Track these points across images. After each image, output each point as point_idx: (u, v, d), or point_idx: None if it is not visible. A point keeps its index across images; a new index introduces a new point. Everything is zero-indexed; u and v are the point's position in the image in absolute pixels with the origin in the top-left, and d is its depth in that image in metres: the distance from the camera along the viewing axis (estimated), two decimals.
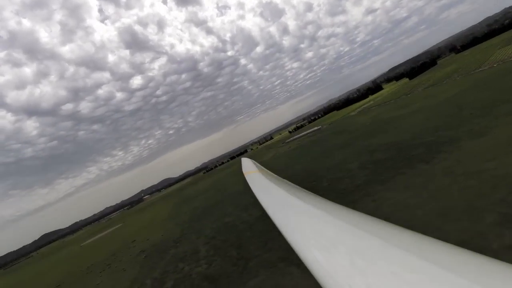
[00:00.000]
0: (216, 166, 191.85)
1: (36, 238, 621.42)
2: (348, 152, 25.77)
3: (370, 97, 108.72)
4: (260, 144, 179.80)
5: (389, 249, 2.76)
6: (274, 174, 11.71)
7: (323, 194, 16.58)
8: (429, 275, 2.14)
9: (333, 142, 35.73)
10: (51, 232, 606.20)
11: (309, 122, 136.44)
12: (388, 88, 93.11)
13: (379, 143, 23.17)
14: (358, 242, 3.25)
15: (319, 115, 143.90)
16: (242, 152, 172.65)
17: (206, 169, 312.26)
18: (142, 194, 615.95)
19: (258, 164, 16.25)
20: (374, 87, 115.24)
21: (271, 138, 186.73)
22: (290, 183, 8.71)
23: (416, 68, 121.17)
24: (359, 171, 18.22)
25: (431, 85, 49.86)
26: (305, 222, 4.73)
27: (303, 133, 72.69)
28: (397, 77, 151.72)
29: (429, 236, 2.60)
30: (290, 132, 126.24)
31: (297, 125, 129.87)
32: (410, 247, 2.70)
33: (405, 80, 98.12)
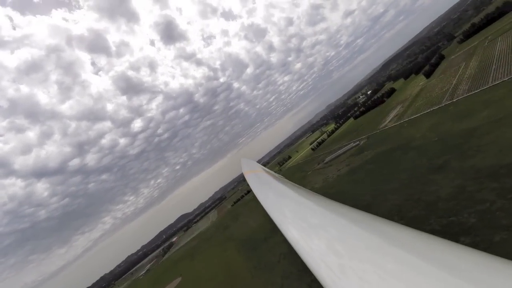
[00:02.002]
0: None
1: None
2: (454, 176, 25.40)
3: (388, 101, 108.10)
4: (280, 165, 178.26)
5: (389, 247, 3.04)
6: (273, 173, 12.15)
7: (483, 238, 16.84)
8: (429, 272, 2.36)
9: (409, 164, 35.46)
10: None
11: (329, 136, 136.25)
12: (410, 90, 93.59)
13: (490, 165, 23.27)
14: (358, 240, 3.56)
15: (336, 126, 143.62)
16: None
17: (223, 198, 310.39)
18: (164, 236, 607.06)
19: (257, 164, 15.93)
20: (389, 91, 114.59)
21: (290, 157, 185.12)
22: (289, 181, 8.86)
23: (421, 64, 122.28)
24: (508, 204, 17.97)
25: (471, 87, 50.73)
26: (305, 220, 5.06)
27: (341, 151, 72.69)
28: (401, 75, 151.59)
29: (429, 234, 2.85)
30: (313, 149, 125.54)
31: (318, 140, 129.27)
32: (411, 245, 2.98)
33: (420, 77, 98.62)
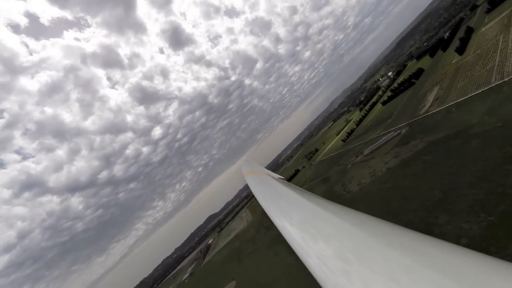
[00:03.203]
0: None
1: None
2: None
3: (418, 82, 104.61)
4: (309, 159, 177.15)
5: (389, 249, 2.96)
6: (273, 173, 11.92)
7: None
8: (429, 274, 2.29)
9: (477, 154, 34.22)
10: None
11: (357, 125, 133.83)
12: (443, 69, 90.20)
13: None
14: (358, 241, 3.49)
15: (363, 114, 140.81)
16: (294, 173, 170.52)
17: (252, 196, 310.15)
18: (196, 238, 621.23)
19: (257, 165, 15.83)
20: (416, 71, 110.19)
21: (317, 150, 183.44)
22: (288, 183, 8.62)
23: (447, 39, 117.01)
24: None
25: None
26: (305, 221, 4.98)
27: (381, 141, 71.39)
28: (425, 53, 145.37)
29: (430, 236, 2.76)
30: (343, 140, 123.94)
31: (347, 130, 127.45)
32: (411, 246, 2.89)
33: (451, 54, 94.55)
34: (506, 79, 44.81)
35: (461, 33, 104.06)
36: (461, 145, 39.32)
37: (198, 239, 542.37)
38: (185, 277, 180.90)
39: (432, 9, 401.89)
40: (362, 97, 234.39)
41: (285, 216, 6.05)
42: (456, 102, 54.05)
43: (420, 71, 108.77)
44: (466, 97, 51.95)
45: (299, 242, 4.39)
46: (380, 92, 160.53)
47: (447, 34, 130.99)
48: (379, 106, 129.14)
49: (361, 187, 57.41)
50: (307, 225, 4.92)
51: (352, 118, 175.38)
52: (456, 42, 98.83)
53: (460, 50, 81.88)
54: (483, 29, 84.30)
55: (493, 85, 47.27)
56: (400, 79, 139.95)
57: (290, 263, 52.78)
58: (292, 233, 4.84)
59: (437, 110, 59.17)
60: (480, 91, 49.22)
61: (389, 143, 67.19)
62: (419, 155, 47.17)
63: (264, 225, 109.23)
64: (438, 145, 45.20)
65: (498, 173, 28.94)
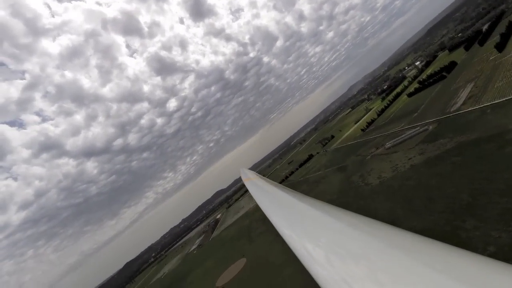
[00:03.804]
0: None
1: (121, 267, 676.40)
2: None
3: (450, 76, 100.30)
4: (323, 145, 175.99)
5: (388, 251, 2.93)
6: (271, 180, 12.30)
7: None
8: (428, 277, 2.26)
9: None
10: (132, 260, 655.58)
11: (378, 115, 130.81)
12: (479, 65, 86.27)
13: None
14: (357, 244, 3.46)
15: (386, 104, 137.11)
16: (308, 158, 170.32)
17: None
18: (204, 211, 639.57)
19: (255, 173, 16.55)
20: (449, 64, 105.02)
21: (333, 137, 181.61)
22: (287, 188, 8.84)
23: (485, 33, 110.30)
24: None
25: None
26: (304, 224, 5.01)
27: (406, 135, 69.97)
28: (459, 45, 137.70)
29: (429, 238, 2.74)
30: (362, 130, 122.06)
31: (367, 120, 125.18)
32: (410, 249, 2.87)
33: (488, 50, 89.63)
34: None
35: (501, 28, 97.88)
36: (494, 150, 38.29)
37: (206, 212, 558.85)
38: (193, 248, 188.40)
39: None
40: (385, 86, 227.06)
41: (282, 217, 6.35)
42: (492, 103, 51.98)
43: (452, 64, 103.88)
44: (504, 99, 49.82)
45: (296, 241, 4.59)
46: (405, 83, 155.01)
47: (485, 26, 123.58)
48: (404, 97, 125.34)
49: (381, 180, 57.16)
50: (303, 225, 5.11)
51: (373, 107, 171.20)
52: (495, 37, 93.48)
53: (500, 47, 77.43)
54: None
55: None
56: (429, 70, 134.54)
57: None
58: (289, 232, 5.11)
59: (470, 109, 57.10)
60: None
61: (414, 138, 65.87)
62: (448, 155, 46.21)
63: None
64: (469, 147, 44.07)
65: None
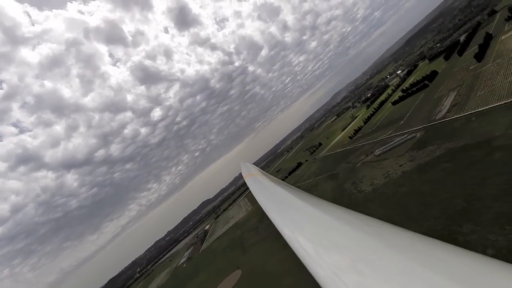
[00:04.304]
0: None
1: (104, 284, 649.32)
2: None
3: (432, 85, 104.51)
4: (312, 152, 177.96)
5: (388, 250, 3.04)
6: (272, 176, 12.64)
7: None
8: (428, 276, 2.30)
9: (501, 167, 34.60)
10: (115, 276, 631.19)
11: (365, 123, 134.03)
12: (459, 74, 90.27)
13: None
14: (357, 242, 3.58)
15: (372, 112, 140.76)
16: (297, 166, 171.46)
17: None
18: (191, 222, 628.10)
19: (257, 167, 16.77)
20: (430, 73, 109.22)
21: (320, 144, 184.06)
22: (288, 184, 9.30)
23: (463, 43, 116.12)
24: None
25: None
26: (304, 222, 5.14)
27: (394, 143, 71.97)
28: (438, 55, 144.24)
29: (429, 237, 2.88)
30: (350, 137, 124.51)
31: (355, 129, 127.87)
32: (410, 248, 2.97)
33: (467, 59, 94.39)
34: None
35: (478, 39, 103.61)
36: (483, 157, 40.04)
37: (193, 223, 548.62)
38: (182, 261, 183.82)
39: (445, 8, 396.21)
40: (369, 94, 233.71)
41: (282, 214, 6.52)
42: (476, 111, 54.55)
43: (434, 74, 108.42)
44: (487, 107, 52.42)
45: (296, 239, 4.62)
46: (389, 91, 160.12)
47: (463, 37, 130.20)
48: (388, 105, 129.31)
49: (374, 188, 58.29)
50: (303, 223, 5.20)
51: (359, 115, 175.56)
52: (473, 47, 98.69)
53: (479, 57, 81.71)
54: (503, 37, 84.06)
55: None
56: (412, 79, 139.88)
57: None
58: (289, 230, 5.18)
59: (455, 117, 59.67)
60: (503, 102, 49.68)
61: (403, 145, 67.82)
62: (438, 162, 47.85)
63: (267, 216, 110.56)
64: (458, 153, 45.87)
65: None
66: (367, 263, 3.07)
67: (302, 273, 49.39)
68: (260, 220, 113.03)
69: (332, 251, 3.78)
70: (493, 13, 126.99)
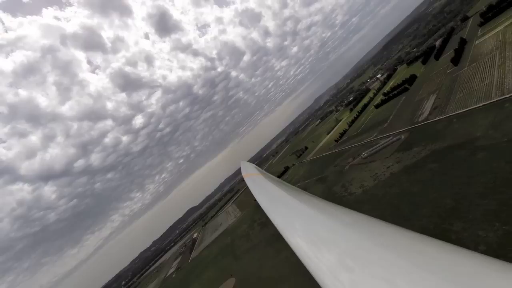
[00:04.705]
0: None
1: None
2: None
3: (412, 88, 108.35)
4: (298, 156, 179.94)
5: (388, 249, 3.06)
6: (272, 176, 12.63)
7: None
8: (425, 275, 2.35)
9: (485, 166, 36.51)
10: None
11: (349, 126, 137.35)
12: (438, 78, 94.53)
13: None
14: (357, 242, 3.62)
15: (355, 115, 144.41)
16: (284, 170, 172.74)
17: (236, 191, 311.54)
18: (177, 231, 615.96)
19: (257, 167, 16.66)
20: (410, 77, 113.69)
21: (306, 148, 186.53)
22: (288, 184, 9.24)
23: (439, 48, 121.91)
24: None
25: None
26: (305, 222, 5.12)
27: (380, 145, 74.24)
28: (416, 59, 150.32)
29: (425, 235, 2.93)
30: (336, 140, 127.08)
31: (340, 132, 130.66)
32: (411, 247, 2.97)
33: (444, 63, 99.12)
34: (507, 96, 48.16)
35: (453, 43, 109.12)
36: (467, 157, 42.10)
37: (180, 232, 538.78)
38: (171, 271, 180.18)
39: (419, 14, 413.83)
40: (351, 98, 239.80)
41: (282, 214, 6.44)
42: (457, 113, 57.29)
43: (413, 77, 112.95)
44: (467, 109, 55.24)
45: (296, 239, 4.70)
46: (371, 94, 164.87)
47: (438, 42, 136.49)
48: (371, 108, 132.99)
49: (364, 189, 59.80)
50: (303, 223, 5.20)
51: (343, 118, 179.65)
52: (449, 52, 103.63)
53: (455, 61, 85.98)
54: (476, 42, 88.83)
55: (494, 100, 50.62)
56: (392, 83, 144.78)
57: (297, 261, 54.28)
58: (289, 230, 5.18)
59: (437, 119, 62.37)
60: (481, 104, 52.51)
61: (389, 147, 69.99)
62: (424, 163, 49.83)
63: (257, 221, 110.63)
64: (443, 154, 47.95)
65: (509, 186, 31.60)
66: (367, 263, 3.10)
67: (299, 278, 49.78)
68: (250, 227, 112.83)
69: (332, 251, 3.85)
70: (465, 19, 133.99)
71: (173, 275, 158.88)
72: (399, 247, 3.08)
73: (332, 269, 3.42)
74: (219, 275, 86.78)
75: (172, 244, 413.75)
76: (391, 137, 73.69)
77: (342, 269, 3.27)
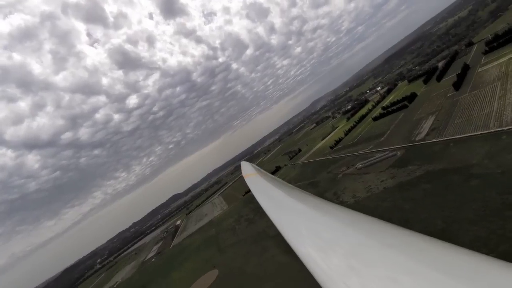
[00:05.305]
0: None
1: (59, 273, 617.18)
2: None
3: (411, 106, 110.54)
4: (291, 158, 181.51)
5: (388, 249, 3.16)
6: (272, 176, 12.66)
7: None
8: (427, 275, 2.43)
9: (477, 194, 38.14)
10: (72, 266, 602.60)
11: (345, 134, 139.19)
12: (438, 100, 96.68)
13: None
14: (357, 242, 3.70)
15: (352, 125, 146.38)
16: (276, 170, 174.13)
17: (224, 184, 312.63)
18: (159, 216, 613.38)
19: (257, 167, 16.69)
20: (410, 95, 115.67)
21: (300, 150, 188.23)
22: (289, 184, 9.43)
23: (441, 69, 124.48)
24: None
25: None
26: (305, 222, 5.15)
27: (375, 158, 75.94)
28: (417, 77, 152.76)
29: (428, 236, 3.03)
30: (331, 147, 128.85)
31: (336, 140, 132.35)
32: (409, 246, 3.08)
33: (445, 86, 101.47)
34: (505, 128, 50.12)
35: (456, 67, 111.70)
36: (461, 182, 43.81)
37: (162, 217, 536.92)
38: (150, 255, 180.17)
39: (424, 32, 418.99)
40: (349, 106, 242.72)
41: (283, 214, 6.45)
42: (454, 138, 59.21)
43: (413, 95, 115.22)
44: (465, 135, 57.17)
45: (297, 239, 4.65)
46: (369, 106, 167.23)
47: (441, 64, 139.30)
48: (369, 120, 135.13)
49: (356, 200, 61.32)
50: (304, 223, 5.21)
51: (339, 126, 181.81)
52: (451, 75, 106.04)
53: (457, 86, 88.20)
54: (479, 69, 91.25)
55: (492, 130, 52.55)
56: (391, 97, 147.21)
57: (284, 261, 55.66)
58: (289, 231, 5.16)
59: (434, 140, 64.27)
60: (479, 133, 54.47)
61: (384, 162, 71.68)
62: (418, 182, 51.49)
63: (245, 217, 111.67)
64: (437, 176, 49.67)
65: (498, 216, 33.26)
66: (367, 262, 3.16)
67: (284, 279, 50.99)
68: (237, 221, 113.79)
69: (333, 250, 3.89)
70: (470, 44, 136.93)
71: (153, 259, 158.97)
72: (399, 246, 3.16)
73: (332, 268, 3.46)
74: (201, 265, 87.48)
75: (153, 228, 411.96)
76: (387, 152, 75.41)
77: (343, 268, 3.33)
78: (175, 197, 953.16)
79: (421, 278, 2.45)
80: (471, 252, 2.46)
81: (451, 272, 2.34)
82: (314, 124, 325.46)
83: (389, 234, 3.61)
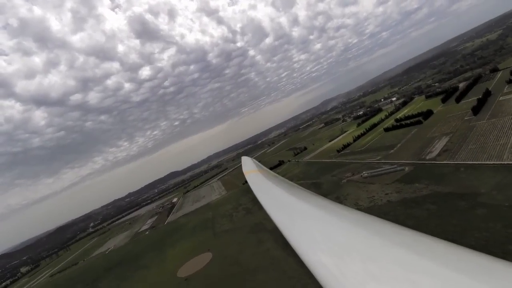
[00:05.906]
0: None
1: (52, 230, 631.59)
2: None
3: (426, 123, 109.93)
4: (295, 154, 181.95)
5: (389, 248, 3.20)
6: (274, 173, 12.72)
7: None
8: (431, 274, 2.46)
9: (481, 223, 38.54)
10: (66, 225, 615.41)
11: (354, 140, 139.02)
12: (454, 121, 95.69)
13: None
14: (357, 240, 3.76)
15: (362, 132, 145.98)
16: (279, 164, 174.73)
17: (224, 169, 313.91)
18: (156, 190, 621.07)
19: (258, 163, 16.57)
20: (426, 112, 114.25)
21: (305, 148, 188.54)
22: (290, 182, 9.64)
23: (462, 91, 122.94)
24: None
25: None
26: (305, 221, 5.13)
27: (382, 170, 76.31)
28: (435, 94, 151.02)
29: (432, 236, 3.07)
30: (338, 151, 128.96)
31: (344, 144, 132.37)
32: (411, 246, 3.11)
33: (463, 109, 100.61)
34: None
35: (477, 91, 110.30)
36: (467, 209, 44.30)
37: (158, 192, 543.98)
38: (144, 227, 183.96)
39: (449, 49, 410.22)
40: (361, 112, 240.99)
41: (283, 213, 6.46)
42: (466, 163, 59.35)
43: (429, 112, 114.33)
44: (477, 162, 57.31)
45: (297, 238, 4.66)
46: (382, 116, 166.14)
47: (462, 85, 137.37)
48: (380, 129, 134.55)
49: (358, 208, 62.00)
50: (304, 222, 5.20)
51: (348, 130, 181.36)
52: (471, 98, 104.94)
53: (476, 110, 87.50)
54: (501, 98, 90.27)
55: (505, 162, 52.64)
56: (406, 110, 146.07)
57: (279, 256, 56.98)
58: (290, 229, 5.14)
59: (445, 162, 64.42)
60: (492, 163, 54.59)
61: (391, 175, 72.07)
62: (424, 201, 52.00)
63: (243, 205, 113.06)
64: (444, 199, 50.11)
65: (500, 248, 33.88)
66: (367, 261, 3.18)
67: (277, 273, 52.39)
68: (235, 209, 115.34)
69: (333, 249, 3.90)
70: (495, 70, 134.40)
71: (147, 232, 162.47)
72: (400, 245, 3.18)
73: (332, 266, 3.50)
74: (195, 246, 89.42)
75: (149, 201, 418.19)
76: (395, 166, 75.71)
77: (343, 267, 3.37)
78: (173, 174, 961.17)
79: (421, 277, 2.53)
80: (475, 253, 2.55)
81: (456, 272, 2.40)
82: (323, 124, 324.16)
83: (390, 233, 3.64)
